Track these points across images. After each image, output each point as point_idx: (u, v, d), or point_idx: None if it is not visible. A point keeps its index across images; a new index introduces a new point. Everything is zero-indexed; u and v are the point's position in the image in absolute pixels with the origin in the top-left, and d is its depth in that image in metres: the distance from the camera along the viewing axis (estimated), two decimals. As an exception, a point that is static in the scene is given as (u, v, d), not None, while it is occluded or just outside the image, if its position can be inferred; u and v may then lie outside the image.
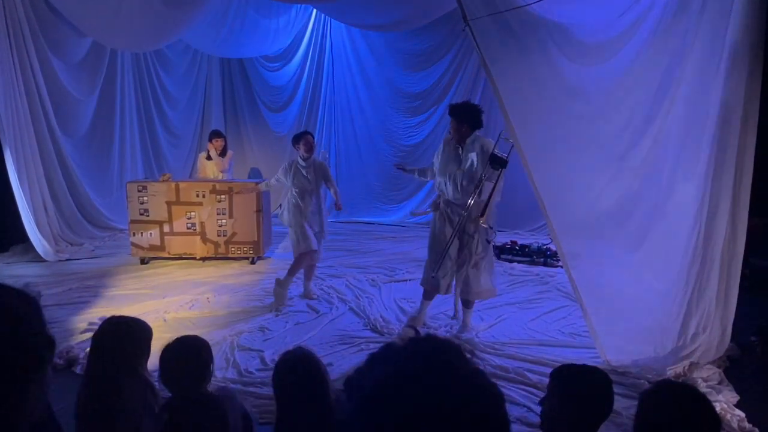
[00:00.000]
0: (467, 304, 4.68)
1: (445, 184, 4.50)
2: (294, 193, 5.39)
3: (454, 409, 0.75)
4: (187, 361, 2.26)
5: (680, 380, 3.62)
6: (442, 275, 4.50)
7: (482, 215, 4.22)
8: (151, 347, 2.46)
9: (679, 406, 1.77)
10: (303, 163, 5.37)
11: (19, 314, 1.00)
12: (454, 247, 4.47)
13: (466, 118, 4.43)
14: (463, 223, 4.38)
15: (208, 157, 7.45)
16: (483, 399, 0.79)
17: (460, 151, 4.45)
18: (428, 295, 4.71)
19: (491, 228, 4.37)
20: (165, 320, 4.96)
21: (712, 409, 1.82)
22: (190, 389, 2.25)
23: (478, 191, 4.29)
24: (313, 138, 5.50)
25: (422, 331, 4.55)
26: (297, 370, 2.21)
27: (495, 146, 4.30)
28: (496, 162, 4.20)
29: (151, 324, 4.88)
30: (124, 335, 2.35)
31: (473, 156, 4.37)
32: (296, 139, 5.44)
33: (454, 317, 4.92)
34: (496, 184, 4.25)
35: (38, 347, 1.01)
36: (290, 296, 5.50)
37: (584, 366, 2.17)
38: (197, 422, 2.17)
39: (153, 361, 2.41)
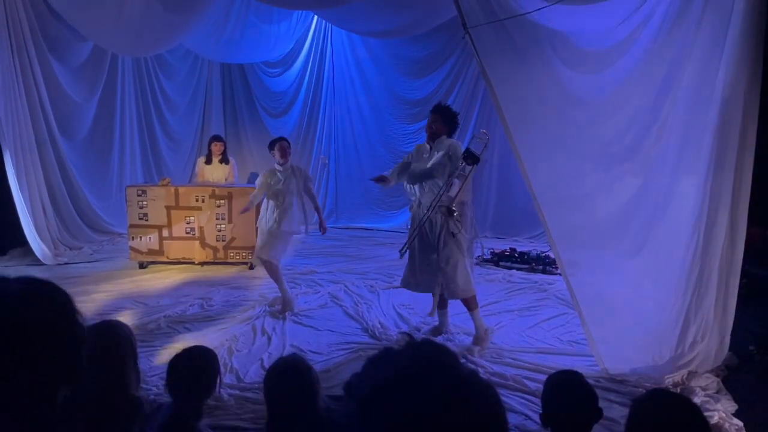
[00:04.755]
0: (445, 304, 4.71)
1: (413, 186, 4.54)
2: (269, 198, 5.40)
3: (452, 411, 0.76)
4: (197, 374, 2.27)
5: (678, 389, 3.62)
6: (410, 273, 4.63)
7: (450, 207, 4.25)
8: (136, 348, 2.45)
9: (671, 416, 1.78)
10: (280, 168, 5.38)
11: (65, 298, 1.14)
12: (422, 246, 4.50)
13: (450, 121, 4.52)
14: (426, 218, 4.36)
15: (207, 162, 7.46)
16: (480, 400, 0.80)
17: (429, 151, 4.51)
18: (438, 303, 4.69)
19: (459, 221, 4.36)
20: (162, 325, 4.95)
21: (705, 420, 1.82)
22: (195, 400, 2.26)
23: (447, 187, 4.30)
24: (288, 144, 5.47)
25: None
26: (287, 377, 2.21)
27: (470, 142, 4.38)
28: (470, 158, 4.19)
29: (149, 328, 4.94)
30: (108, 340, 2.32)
31: (439, 155, 4.40)
32: (271, 145, 5.47)
33: (431, 314, 4.80)
34: (466, 179, 4.26)
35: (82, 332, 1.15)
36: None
37: (560, 372, 2.36)
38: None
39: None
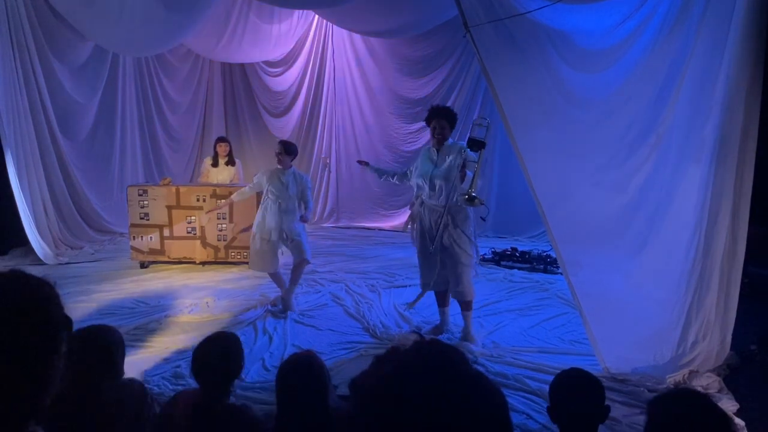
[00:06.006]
0: (446, 302, 4.76)
1: (422, 186, 4.56)
2: (266, 200, 5.28)
3: (458, 410, 0.76)
4: (218, 358, 2.34)
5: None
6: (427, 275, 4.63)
7: (470, 193, 4.16)
8: (125, 351, 2.47)
9: (695, 418, 1.73)
10: (283, 172, 5.27)
11: (45, 294, 1.10)
12: (425, 246, 4.54)
13: (455, 122, 4.61)
14: (445, 221, 4.39)
15: (214, 164, 7.42)
16: (486, 400, 0.80)
17: (436, 154, 4.52)
18: (440, 301, 4.75)
19: (483, 204, 4.33)
20: (163, 325, 4.95)
21: (728, 418, 1.79)
22: (220, 384, 2.33)
23: (461, 180, 4.31)
24: (282, 150, 5.23)
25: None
26: (301, 372, 2.23)
27: (470, 131, 4.42)
28: (475, 144, 4.18)
29: (150, 328, 4.94)
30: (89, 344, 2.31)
31: (450, 158, 4.42)
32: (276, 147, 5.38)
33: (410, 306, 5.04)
34: (477, 166, 4.23)
35: (59, 324, 1.10)
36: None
37: (570, 369, 2.35)
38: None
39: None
